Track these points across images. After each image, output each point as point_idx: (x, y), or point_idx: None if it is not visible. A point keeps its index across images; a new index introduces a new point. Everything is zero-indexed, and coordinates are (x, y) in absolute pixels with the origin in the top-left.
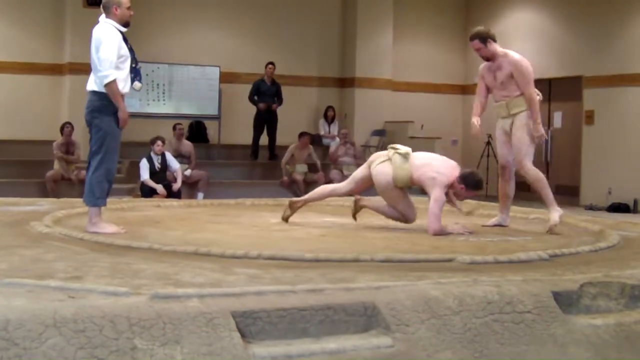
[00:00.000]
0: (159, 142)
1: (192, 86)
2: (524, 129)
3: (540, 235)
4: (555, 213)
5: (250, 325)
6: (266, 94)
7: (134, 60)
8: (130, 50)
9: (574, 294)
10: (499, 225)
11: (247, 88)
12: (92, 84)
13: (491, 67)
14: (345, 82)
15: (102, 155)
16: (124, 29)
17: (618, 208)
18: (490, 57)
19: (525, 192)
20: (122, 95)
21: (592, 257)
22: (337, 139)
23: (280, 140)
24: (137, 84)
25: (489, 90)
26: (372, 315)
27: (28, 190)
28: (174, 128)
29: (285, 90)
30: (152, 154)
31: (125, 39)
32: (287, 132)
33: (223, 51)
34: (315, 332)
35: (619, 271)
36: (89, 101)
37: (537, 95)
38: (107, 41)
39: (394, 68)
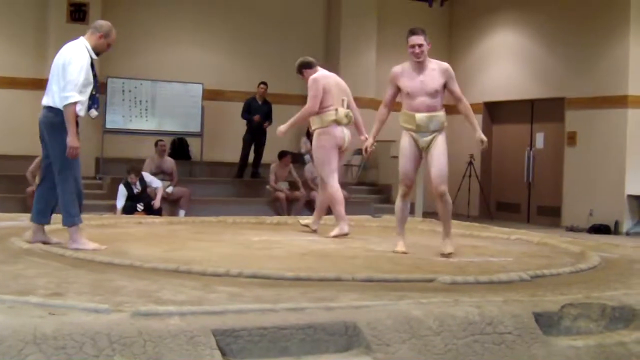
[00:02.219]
0: (132, 175)
1: (175, 103)
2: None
3: (522, 256)
4: (337, 229)
5: (231, 344)
6: (257, 113)
7: (95, 88)
8: (95, 77)
9: (555, 315)
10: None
11: (230, 105)
12: (50, 99)
13: None
14: None
15: (66, 173)
16: (95, 56)
17: (599, 229)
18: None
19: (506, 212)
20: (77, 120)
21: (573, 279)
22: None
23: (264, 158)
24: (93, 112)
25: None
26: (353, 334)
27: (8, 206)
28: (156, 144)
29: None
30: (129, 181)
31: (92, 65)
32: (269, 150)
33: (206, 68)
34: (295, 351)
35: (599, 292)
36: (46, 117)
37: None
38: (77, 62)
39: (378, 87)
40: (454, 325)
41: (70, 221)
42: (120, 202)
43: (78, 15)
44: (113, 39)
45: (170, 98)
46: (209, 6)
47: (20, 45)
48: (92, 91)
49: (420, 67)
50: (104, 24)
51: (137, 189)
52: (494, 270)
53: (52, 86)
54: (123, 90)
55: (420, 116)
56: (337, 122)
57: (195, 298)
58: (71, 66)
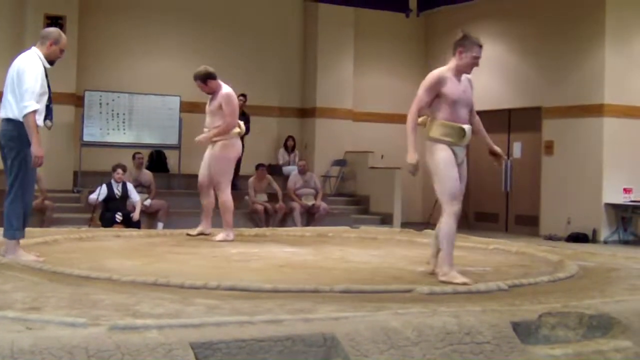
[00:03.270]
0: (119, 170)
1: (152, 115)
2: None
3: (500, 265)
4: (223, 234)
5: (210, 356)
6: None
7: (49, 98)
8: (48, 87)
9: (533, 324)
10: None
11: None
12: (8, 111)
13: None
14: (306, 112)
15: (18, 186)
16: (48, 65)
17: (577, 238)
18: (211, 92)
19: (485, 222)
20: (37, 127)
21: (551, 288)
22: (295, 167)
23: (241, 170)
24: (48, 123)
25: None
26: (331, 345)
27: None
28: (134, 157)
29: None
30: (112, 182)
31: (46, 75)
32: (247, 161)
33: (184, 81)
34: None
35: (577, 301)
36: (4, 130)
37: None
38: (31, 72)
39: (355, 98)
40: (432, 335)
41: (11, 234)
42: (95, 196)
43: (55, 27)
44: (64, 44)
45: (148, 110)
46: (186, 19)
47: None
48: (47, 101)
49: (460, 77)
50: (51, 30)
51: (118, 192)
52: (472, 280)
53: (8, 97)
54: (100, 103)
55: (468, 128)
56: (239, 135)
57: (173, 311)
58: (26, 75)
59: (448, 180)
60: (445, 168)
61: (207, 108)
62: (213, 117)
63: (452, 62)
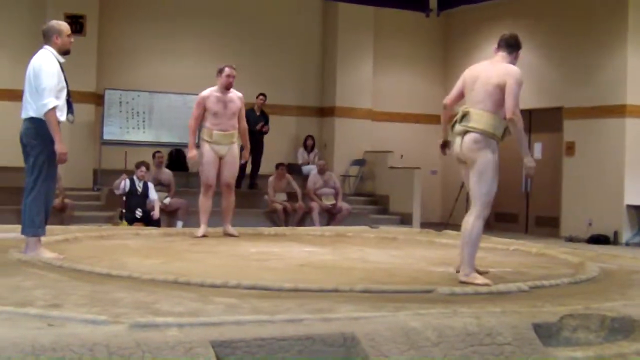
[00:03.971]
0: (143, 168)
1: (172, 114)
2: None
3: (520, 266)
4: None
5: (229, 355)
6: (254, 124)
7: (67, 93)
8: (66, 82)
9: (554, 326)
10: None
11: None
12: (28, 111)
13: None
14: (325, 112)
15: (41, 184)
16: (62, 59)
17: (598, 240)
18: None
19: (504, 222)
20: (59, 124)
21: (572, 290)
22: (314, 167)
23: (260, 169)
24: (70, 117)
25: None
26: (351, 345)
27: (6, 218)
28: (154, 156)
29: None
30: (135, 177)
31: (62, 69)
32: (267, 161)
33: (203, 79)
34: None
35: (599, 304)
36: (27, 129)
37: None
38: (47, 69)
39: (374, 98)
40: (452, 336)
41: (33, 231)
42: (121, 183)
43: (75, 27)
44: (67, 29)
45: (168, 109)
46: (206, 18)
47: (18, 58)
48: (66, 96)
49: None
50: (49, 25)
51: (139, 188)
52: (493, 281)
53: (27, 98)
54: (120, 102)
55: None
56: None
57: (193, 309)
58: (42, 73)
59: (493, 184)
60: (494, 171)
61: (221, 109)
62: (232, 118)
63: (509, 60)
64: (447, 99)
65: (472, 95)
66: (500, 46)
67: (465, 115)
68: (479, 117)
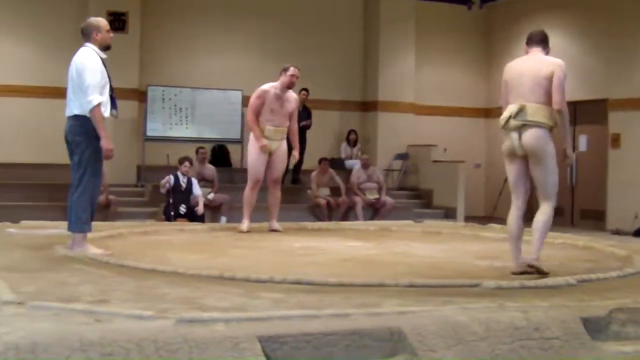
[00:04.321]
0: (187, 163)
1: (214, 110)
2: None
3: (567, 260)
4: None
5: (276, 350)
6: (298, 120)
7: (110, 88)
8: (108, 77)
9: (603, 320)
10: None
11: None
12: (73, 108)
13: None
14: (367, 106)
15: (87, 181)
16: (104, 55)
17: None
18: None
19: (554, 216)
20: (104, 120)
21: (620, 283)
22: (357, 161)
23: (303, 164)
24: (114, 112)
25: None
26: (398, 340)
27: (53, 214)
28: (197, 152)
29: None
30: (179, 173)
31: (104, 65)
32: (310, 156)
33: (246, 75)
34: (341, 357)
35: None
36: (71, 126)
37: None
38: (90, 66)
39: (417, 92)
40: (499, 330)
41: (80, 227)
42: (167, 181)
43: (117, 24)
44: (106, 25)
45: (210, 105)
46: (248, 14)
47: (61, 56)
48: (109, 92)
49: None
50: (88, 22)
51: (183, 184)
52: (540, 275)
53: (71, 96)
54: (163, 98)
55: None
56: None
57: (239, 304)
58: (85, 71)
59: (556, 174)
60: (555, 160)
61: (278, 107)
62: (286, 116)
63: (545, 53)
64: (503, 105)
65: (521, 89)
66: (533, 42)
67: (521, 110)
68: (537, 111)
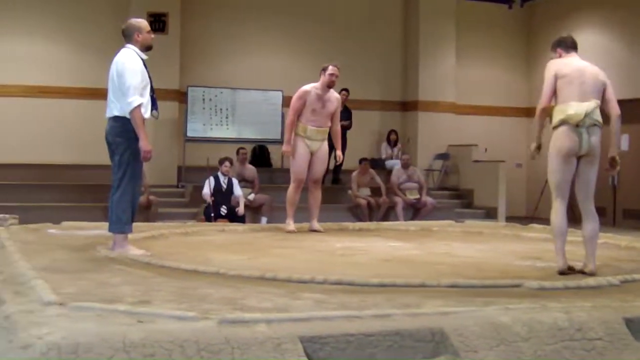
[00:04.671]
0: (227, 163)
1: (255, 110)
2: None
3: (609, 260)
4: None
5: (318, 351)
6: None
7: (151, 89)
8: (149, 78)
9: None
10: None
11: None
12: (113, 110)
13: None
14: (408, 106)
15: (127, 181)
16: (145, 56)
17: None
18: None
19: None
20: (144, 121)
21: None
22: (398, 161)
23: (343, 164)
24: (154, 113)
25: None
26: (440, 341)
27: (93, 214)
28: (238, 152)
29: None
30: (219, 174)
31: (145, 66)
32: (350, 156)
33: (286, 75)
34: (382, 357)
35: None
36: (112, 127)
37: None
38: (130, 68)
39: (457, 91)
40: (542, 331)
41: (120, 228)
42: (207, 190)
43: (158, 25)
44: (146, 25)
45: (250, 106)
46: (287, 14)
47: (102, 57)
48: (150, 92)
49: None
50: (129, 24)
51: (224, 184)
52: (582, 275)
53: (111, 97)
54: (203, 99)
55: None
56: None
57: (281, 305)
58: (126, 72)
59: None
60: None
61: (320, 107)
62: (327, 117)
63: None
64: (547, 101)
65: (585, 88)
66: (570, 47)
67: (596, 108)
68: (599, 111)
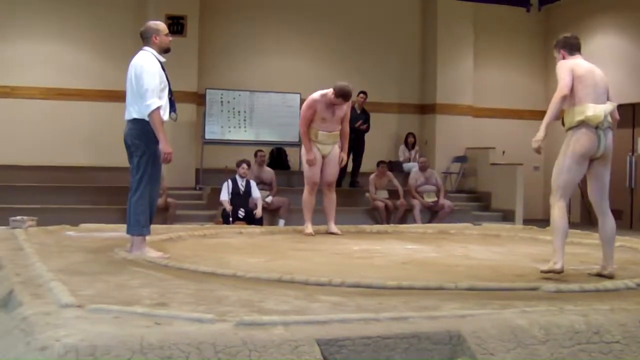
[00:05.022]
0: (244, 165)
1: (272, 113)
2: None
3: (627, 263)
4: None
5: (335, 353)
6: (354, 122)
7: (169, 91)
8: (167, 80)
9: None
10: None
11: None
12: (132, 112)
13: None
14: (425, 109)
15: (145, 184)
16: (163, 59)
17: None
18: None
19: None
20: (162, 124)
21: None
22: (415, 164)
23: (361, 167)
24: (173, 115)
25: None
26: (457, 343)
27: (111, 217)
28: (256, 155)
29: None
30: (237, 177)
31: (163, 68)
32: (368, 158)
33: (303, 78)
34: None
35: None
36: (130, 130)
37: None
38: (148, 70)
39: (475, 94)
40: (559, 334)
41: (139, 231)
42: (225, 195)
43: (176, 28)
44: (164, 28)
45: (268, 108)
46: (305, 17)
47: (120, 59)
48: (168, 95)
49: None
50: (147, 26)
51: (242, 187)
52: (599, 278)
53: (130, 100)
54: (221, 101)
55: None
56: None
57: (298, 307)
58: (144, 75)
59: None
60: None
61: (330, 115)
62: (338, 122)
63: None
64: (567, 89)
65: (599, 90)
66: (576, 49)
67: (612, 111)
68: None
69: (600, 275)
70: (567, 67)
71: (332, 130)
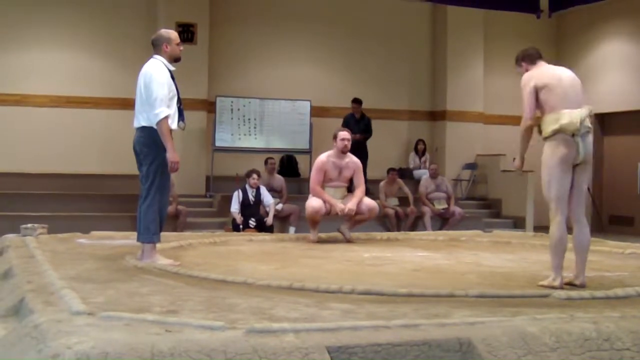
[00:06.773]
0: (254, 176)
1: (283, 120)
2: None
3: (638, 270)
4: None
5: None
6: (354, 129)
7: (178, 100)
8: (177, 89)
9: None
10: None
11: (338, 122)
12: (141, 120)
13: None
14: (436, 115)
15: (155, 191)
16: (173, 67)
17: None
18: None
19: (619, 225)
20: (171, 132)
21: None
22: (426, 171)
23: (371, 174)
24: (181, 124)
25: None
26: (467, 351)
27: (122, 224)
28: (266, 162)
29: (376, 124)
30: (247, 187)
31: (172, 77)
32: (378, 165)
33: (314, 85)
34: None
35: None
36: (139, 137)
37: None
38: (157, 79)
39: (485, 101)
40: (570, 341)
41: (149, 238)
42: (235, 206)
43: (186, 35)
44: (176, 37)
45: (279, 115)
46: (315, 24)
47: (131, 67)
48: (177, 103)
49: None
50: (158, 34)
51: (252, 197)
52: (610, 285)
53: (139, 107)
54: (231, 109)
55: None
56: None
57: (309, 315)
58: (153, 84)
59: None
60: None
61: (337, 175)
62: (343, 181)
63: None
64: (531, 118)
65: (567, 94)
66: (538, 57)
67: (588, 115)
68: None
69: (571, 284)
70: (530, 86)
71: (338, 186)
